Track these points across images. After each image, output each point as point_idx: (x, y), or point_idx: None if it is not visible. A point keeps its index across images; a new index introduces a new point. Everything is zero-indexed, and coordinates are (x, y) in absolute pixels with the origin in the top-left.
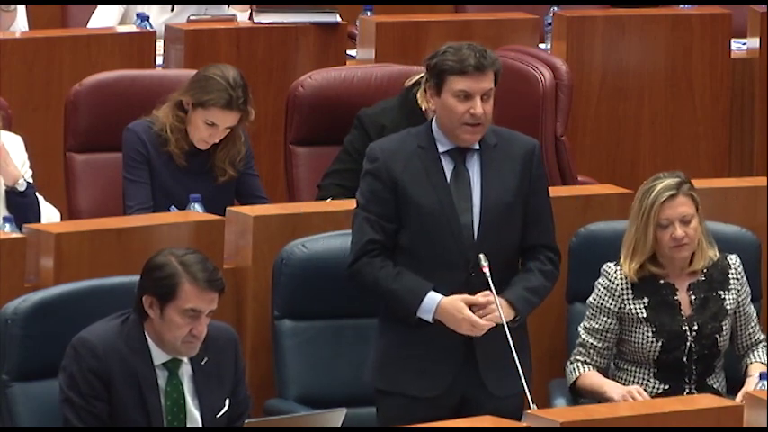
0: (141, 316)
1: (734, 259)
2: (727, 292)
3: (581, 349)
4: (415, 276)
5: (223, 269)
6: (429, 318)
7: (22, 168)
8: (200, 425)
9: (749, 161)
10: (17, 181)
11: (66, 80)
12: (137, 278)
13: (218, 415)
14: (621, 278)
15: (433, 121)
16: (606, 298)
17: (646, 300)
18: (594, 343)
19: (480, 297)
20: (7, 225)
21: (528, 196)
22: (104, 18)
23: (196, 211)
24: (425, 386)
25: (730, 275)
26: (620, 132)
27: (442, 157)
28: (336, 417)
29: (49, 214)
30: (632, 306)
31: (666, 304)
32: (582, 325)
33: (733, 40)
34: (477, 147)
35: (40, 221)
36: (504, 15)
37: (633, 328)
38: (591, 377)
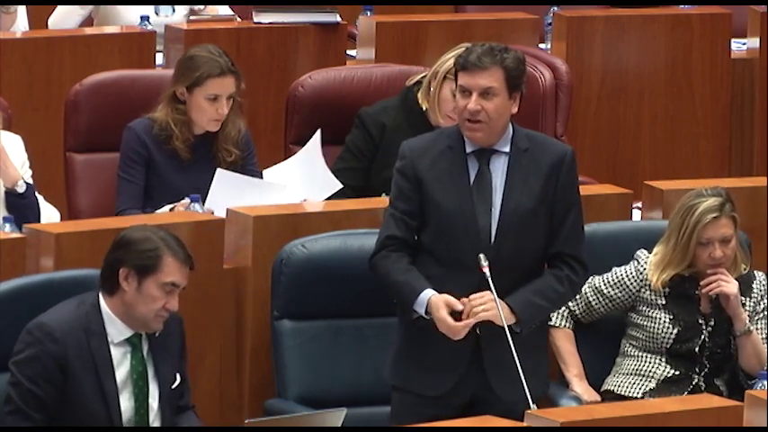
0: (107, 291)
1: (761, 275)
2: (747, 299)
3: (577, 298)
4: (420, 274)
5: (223, 269)
6: (422, 313)
7: (21, 169)
8: (158, 395)
9: (749, 161)
10: (16, 182)
11: (66, 80)
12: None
13: (173, 386)
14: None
15: None
16: (631, 278)
17: (667, 289)
18: (592, 302)
19: (464, 301)
20: (7, 225)
21: (553, 204)
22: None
23: (196, 211)
24: (431, 384)
25: (753, 287)
26: (620, 132)
27: (468, 158)
28: (336, 417)
29: (49, 214)
30: (653, 292)
31: (686, 297)
32: (595, 281)
33: (733, 40)
34: (506, 149)
35: (39, 222)
36: (504, 15)
37: (650, 314)
38: (566, 340)
